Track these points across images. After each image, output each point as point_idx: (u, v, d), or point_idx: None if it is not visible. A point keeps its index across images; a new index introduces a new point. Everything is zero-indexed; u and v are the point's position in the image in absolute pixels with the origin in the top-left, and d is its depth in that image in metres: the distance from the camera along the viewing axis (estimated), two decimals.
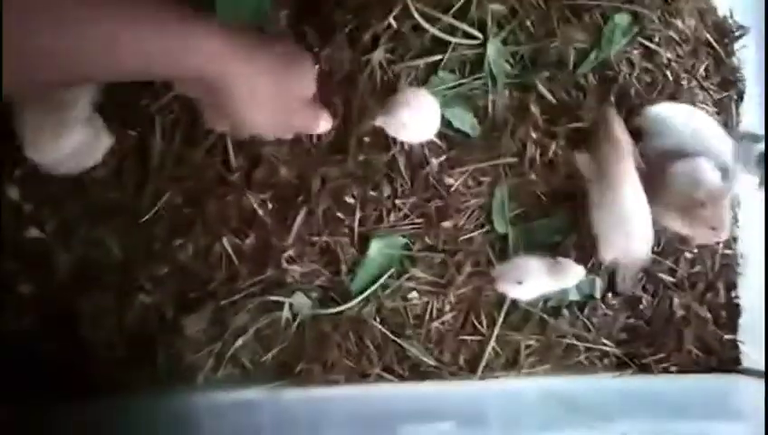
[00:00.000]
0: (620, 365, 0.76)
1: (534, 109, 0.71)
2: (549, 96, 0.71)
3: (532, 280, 0.67)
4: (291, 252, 0.68)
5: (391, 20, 0.67)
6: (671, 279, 0.76)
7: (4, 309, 0.62)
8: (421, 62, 0.69)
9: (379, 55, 0.68)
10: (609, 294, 0.74)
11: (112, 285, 0.64)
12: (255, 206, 0.67)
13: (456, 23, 0.69)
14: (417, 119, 0.63)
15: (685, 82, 0.75)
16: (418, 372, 0.70)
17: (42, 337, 0.63)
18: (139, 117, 0.64)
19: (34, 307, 0.63)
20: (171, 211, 0.65)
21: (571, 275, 0.67)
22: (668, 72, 0.75)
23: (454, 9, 0.69)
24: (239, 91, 0.47)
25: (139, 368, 0.64)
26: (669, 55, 0.75)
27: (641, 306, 0.76)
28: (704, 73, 0.77)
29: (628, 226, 0.64)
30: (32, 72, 0.38)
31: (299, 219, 0.68)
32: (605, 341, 0.75)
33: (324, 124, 0.59)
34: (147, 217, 0.64)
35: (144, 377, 0.64)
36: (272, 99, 0.50)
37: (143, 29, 0.40)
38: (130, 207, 0.64)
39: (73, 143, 0.59)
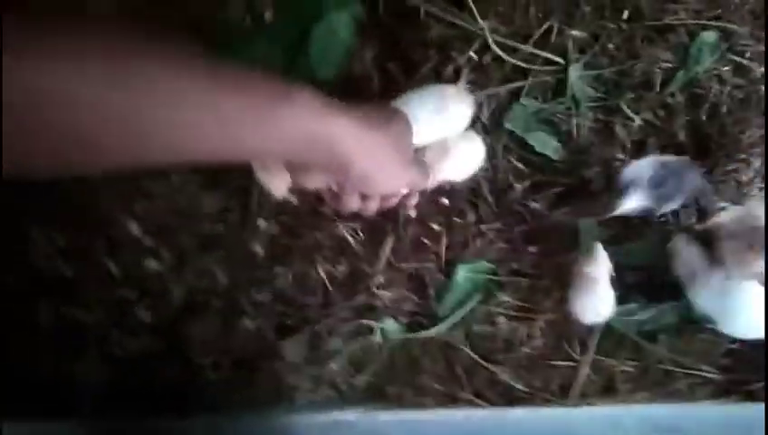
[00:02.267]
0: (723, 392, 0.72)
1: (620, 130, 0.71)
2: (635, 117, 0.71)
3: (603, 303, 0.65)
4: (380, 278, 0.70)
5: (472, 53, 0.70)
6: None
7: (126, 334, 0.68)
8: (502, 90, 0.71)
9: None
10: None
11: (219, 310, 0.69)
12: (346, 235, 0.70)
13: (536, 51, 0.70)
14: (458, 158, 0.64)
15: None
16: (509, 398, 0.70)
17: (158, 359, 0.68)
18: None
19: (151, 332, 0.69)
20: (271, 242, 0.69)
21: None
22: (763, 88, 0.72)
23: (534, 38, 0.70)
24: (361, 156, 0.47)
25: (243, 389, 0.68)
26: (762, 70, 0.72)
27: None
28: None
29: None
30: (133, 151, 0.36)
31: (387, 247, 0.70)
32: (706, 367, 0.71)
33: (433, 178, 0.60)
34: (249, 247, 0.69)
35: (247, 397, 0.68)
36: (389, 158, 0.50)
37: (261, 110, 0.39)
38: (235, 239, 0.69)
39: None
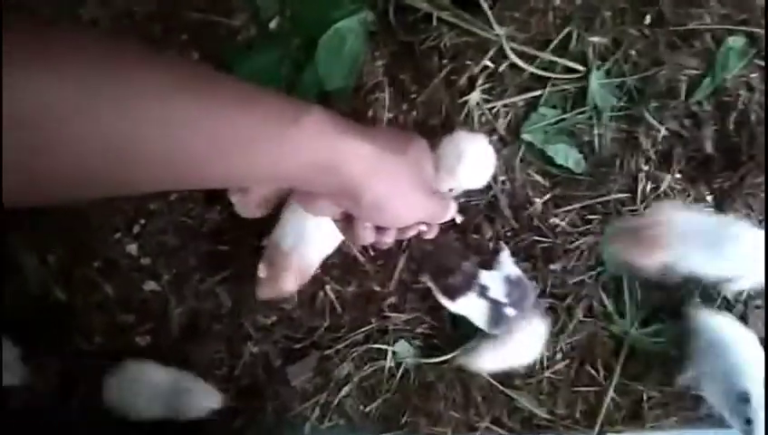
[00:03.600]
0: None
1: (644, 141, 0.67)
2: (660, 127, 0.67)
3: None
4: (393, 299, 0.67)
5: (487, 61, 0.67)
6: None
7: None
8: (519, 99, 0.68)
9: (476, 97, 0.67)
10: None
11: (222, 334, 0.66)
12: (356, 252, 0.67)
13: (555, 58, 0.67)
14: (467, 165, 0.60)
15: None
16: (530, 426, 0.66)
17: None
18: None
19: (151, 358, 0.65)
20: None
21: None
22: None
23: (552, 45, 0.67)
24: (373, 183, 0.42)
25: (249, 417, 0.65)
26: None
27: None
28: None
29: None
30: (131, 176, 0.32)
31: (400, 265, 0.67)
32: None
33: (453, 209, 0.53)
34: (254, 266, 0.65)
35: (253, 427, 0.65)
36: (405, 186, 0.46)
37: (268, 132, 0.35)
38: (239, 258, 0.66)
39: None
